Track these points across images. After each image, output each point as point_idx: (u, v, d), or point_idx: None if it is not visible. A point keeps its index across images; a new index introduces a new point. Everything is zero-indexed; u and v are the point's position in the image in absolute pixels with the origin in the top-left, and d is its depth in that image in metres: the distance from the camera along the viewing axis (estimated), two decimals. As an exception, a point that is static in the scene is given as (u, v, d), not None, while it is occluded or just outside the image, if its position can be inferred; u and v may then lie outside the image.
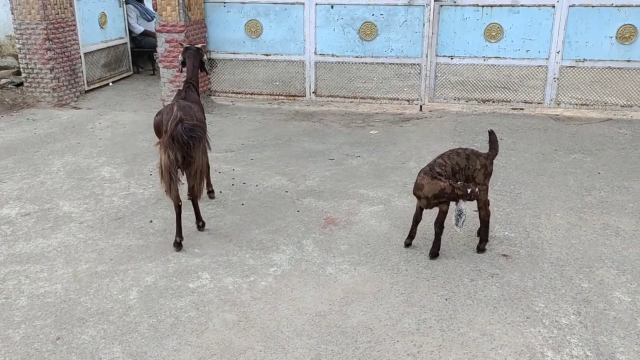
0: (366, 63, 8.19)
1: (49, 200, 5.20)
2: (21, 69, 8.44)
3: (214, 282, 3.84)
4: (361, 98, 8.33)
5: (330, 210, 4.96)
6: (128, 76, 10.40)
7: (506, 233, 4.49)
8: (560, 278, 3.85)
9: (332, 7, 8.00)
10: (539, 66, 7.84)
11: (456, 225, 3.93)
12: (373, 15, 7.95)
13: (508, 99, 8.10)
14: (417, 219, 4.23)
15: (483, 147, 6.55)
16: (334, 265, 4.05)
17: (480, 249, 4.20)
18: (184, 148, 4.08)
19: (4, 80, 8.86)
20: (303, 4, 8.04)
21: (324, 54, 8.20)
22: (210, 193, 5.23)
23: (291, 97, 8.55)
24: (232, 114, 8.22)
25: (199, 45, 5.37)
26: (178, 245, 4.31)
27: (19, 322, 3.45)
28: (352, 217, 4.80)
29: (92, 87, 9.37)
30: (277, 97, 8.60)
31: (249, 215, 4.88)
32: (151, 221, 4.77)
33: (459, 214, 3.88)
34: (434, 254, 4.11)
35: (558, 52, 7.67)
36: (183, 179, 4.32)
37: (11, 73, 8.97)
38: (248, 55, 8.42)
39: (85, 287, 3.80)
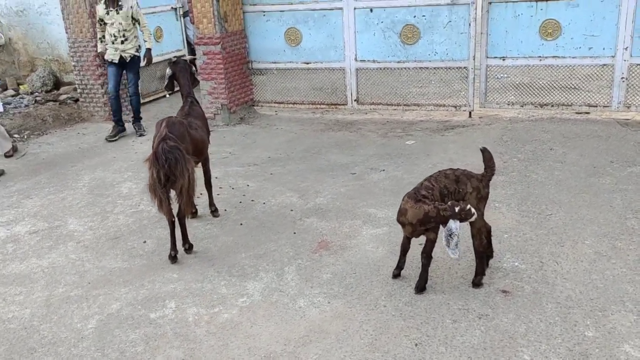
0: (409, 68, 7.70)
1: (60, 218, 5.29)
2: (76, 85, 8.81)
3: (176, 313, 3.65)
4: (405, 105, 7.85)
5: (328, 232, 4.61)
6: (185, 88, 10.55)
7: (516, 264, 3.92)
8: (562, 323, 3.25)
9: (371, 10, 7.60)
10: (604, 65, 6.97)
11: (447, 247, 3.40)
12: (415, 17, 7.45)
13: (569, 103, 7.28)
14: (404, 248, 3.80)
15: (528, 159, 5.91)
16: (307, 297, 3.72)
17: (475, 283, 3.68)
18: (165, 167, 3.95)
19: (64, 96, 9.30)
20: (341, 9, 7.71)
21: (364, 60, 7.82)
22: (214, 212, 5.07)
23: (333, 106, 8.24)
24: (271, 124, 8.06)
25: (187, 58, 5.20)
26: (173, 259, 4.26)
27: (-23, 348, 3.45)
28: (349, 241, 4.43)
29: (147, 99, 9.61)
30: (319, 106, 8.33)
31: (243, 237, 4.65)
32: (145, 242, 4.68)
33: (449, 234, 3.36)
34: (420, 287, 3.65)
35: (626, 49, 6.77)
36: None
37: (72, 89, 9.39)
38: (288, 64, 8.23)
39: (51, 313, 3.75)
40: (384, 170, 5.92)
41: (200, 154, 4.59)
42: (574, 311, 3.35)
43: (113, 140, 7.69)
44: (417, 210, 3.45)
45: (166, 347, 3.30)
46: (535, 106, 7.40)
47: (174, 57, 5.84)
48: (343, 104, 8.15)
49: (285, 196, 5.42)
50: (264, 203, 5.30)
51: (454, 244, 3.36)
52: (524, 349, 3.06)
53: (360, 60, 7.84)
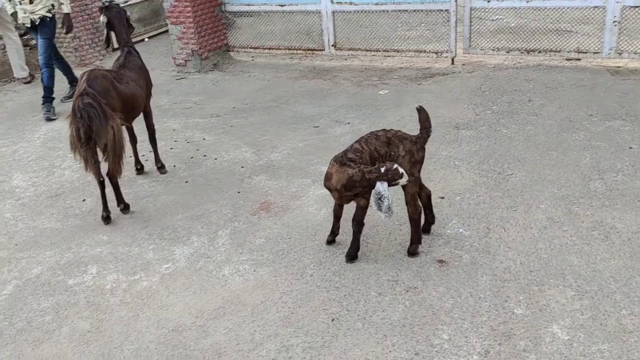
0: (388, 11, 7.22)
1: (6, 172, 5.11)
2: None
3: (95, 280, 3.48)
4: (385, 51, 7.43)
5: (274, 192, 4.37)
6: (166, 31, 10.15)
7: (461, 230, 3.66)
8: (493, 298, 3.02)
9: (347, -53, 7.07)
10: (595, 7, 6.45)
11: (379, 211, 3.13)
12: (394, -46, 6.91)
13: (558, 49, 6.81)
14: (336, 214, 3.55)
15: (502, 111, 5.53)
16: (234, 264, 3.52)
17: (411, 252, 3.44)
18: (85, 124, 3.70)
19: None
20: (316, -55, 7.18)
21: (341, 2, 7.35)
22: (160, 168, 4.84)
23: (310, 52, 7.84)
24: (245, 71, 7.71)
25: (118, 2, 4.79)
26: (105, 219, 4.10)
27: None
28: (293, 202, 4.19)
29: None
30: (296, 51, 7.93)
31: (185, 195, 4.44)
32: (84, 200, 4.50)
33: (379, 198, 3.09)
34: (351, 256, 3.43)
35: (620, -10, 6.22)
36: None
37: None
38: (263, 7, 7.79)
39: (-30, 277, 3.61)
40: (348, 123, 5.61)
41: (133, 110, 4.30)
42: (509, 285, 3.12)
43: (69, 101, 6.40)
44: (342, 174, 3.18)
45: (75, 318, 3.15)
46: (522, 52, 6.94)
47: (105, 1, 5.19)
48: (320, 50, 7.74)
49: (240, 151, 5.16)
50: (216, 159, 5.06)
51: (386, 207, 3.09)
52: (445, 327, 2.85)
53: (337, 3, 7.37)
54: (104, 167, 4.03)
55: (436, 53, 7.16)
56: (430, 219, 3.62)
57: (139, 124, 4.72)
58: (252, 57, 8.25)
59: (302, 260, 3.50)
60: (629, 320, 2.78)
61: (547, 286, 3.08)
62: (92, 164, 3.88)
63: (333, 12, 7.43)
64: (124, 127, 4.13)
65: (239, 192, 4.41)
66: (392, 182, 3.09)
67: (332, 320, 2.97)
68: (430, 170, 4.45)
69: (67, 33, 6.71)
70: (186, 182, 4.67)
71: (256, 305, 3.13)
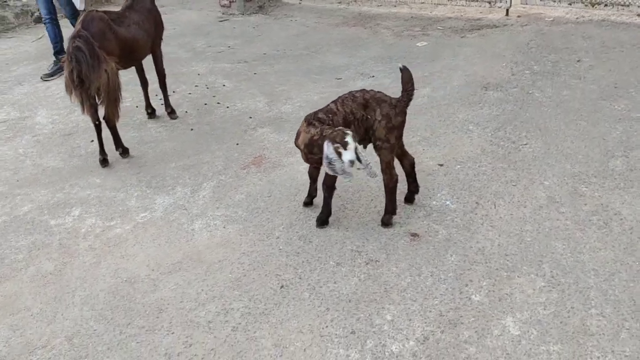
0: (439, -46, 6.67)
1: (34, 108, 5.30)
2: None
3: (74, 222, 3.56)
4: (433, -1, 6.92)
5: (272, 146, 4.26)
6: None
7: (447, 202, 3.41)
8: (453, 281, 2.80)
9: None
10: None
11: (336, 174, 2.91)
12: None
13: (627, 2, 6.05)
14: (311, 175, 3.40)
15: (543, 72, 5.00)
16: (207, 219, 3.48)
17: (384, 222, 3.24)
18: (77, 67, 3.71)
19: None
20: None
21: (391, -56, 6.86)
22: (170, 114, 4.84)
23: (357, -3, 7.45)
24: (288, 15, 7.49)
25: None
26: (102, 162, 4.16)
27: None
28: (286, 159, 4.07)
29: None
30: (342, -4, 7.55)
31: (185, 143, 4.42)
32: (92, 141, 4.57)
33: (329, 161, 2.80)
34: (320, 221, 3.29)
35: None
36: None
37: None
38: (311, -53, 7.42)
39: (-33, 209, 3.81)
40: (373, 76, 5.32)
41: (134, 53, 4.24)
42: (477, 268, 2.87)
43: (51, 80, 5.93)
44: (306, 134, 3.00)
45: (43, 259, 3.24)
46: (587, 4, 6.25)
47: None
48: (368, -5, 7.34)
49: (254, 100, 5.05)
50: (228, 107, 4.98)
51: (339, 169, 2.83)
52: (392, 307, 2.68)
53: (387, -56, 6.89)
54: (102, 111, 4.05)
55: (489, 2, 6.59)
56: (413, 188, 3.39)
57: (150, 70, 4.69)
58: (300, 0, 7.97)
59: (273, 220, 3.40)
60: (594, 321, 2.49)
61: (517, 273, 2.81)
62: (87, 106, 3.91)
63: (382, -46, 6.97)
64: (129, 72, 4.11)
65: (237, 144, 4.33)
66: (339, 146, 2.82)
67: (281, 287, 2.88)
68: (439, 134, 4.15)
69: None
70: (192, 129, 4.64)
71: (213, 264, 3.09)
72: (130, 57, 4.20)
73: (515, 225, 3.15)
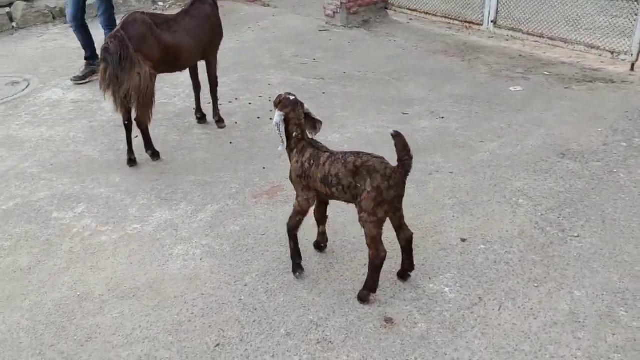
0: (563, -10, 5.90)
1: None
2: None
3: (72, 220, 3.55)
4: (549, 39, 6.15)
5: (297, 177, 3.96)
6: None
7: (446, 290, 2.90)
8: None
9: None
10: None
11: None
12: None
13: None
14: (316, 218, 3.11)
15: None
16: (190, 246, 3.29)
17: (360, 297, 2.82)
18: (105, 66, 3.71)
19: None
20: None
21: (512, -28, 6.20)
22: (218, 122, 4.73)
23: (468, 24, 6.87)
24: (390, 34, 7.10)
25: None
26: (129, 162, 4.16)
27: None
28: (303, 194, 3.75)
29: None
30: (452, 20, 7.00)
31: (216, 157, 4.28)
32: (136, 136, 4.60)
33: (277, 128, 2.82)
34: (293, 269, 2.97)
35: None
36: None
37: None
38: (428, -35, 6.96)
39: (-5, 184, 3.97)
40: (443, 117, 4.81)
41: (178, 60, 4.14)
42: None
43: (82, 83, 5.71)
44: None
45: (24, 252, 3.26)
46: None
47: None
48: (478, 24, 6.72)
49: (306, 122, 4.77)
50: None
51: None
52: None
53: (508, -28, 6.23)
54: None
55: (612, 52, 5.70)
56: (407, 267, 2.93)
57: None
58: (410, 19, 7.54)
59: (251, 264, 3.12)
60: None
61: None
62: (119, 106, 3.90)
63: (501, -19, 6.33)
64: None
65: (264, 168, 4.10)
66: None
67: (217, 345, 2.60)
68: (480, 201, 3.61)
69: None
70: (230, 142, 4.49)
71: (167, 299, 2.89)
72: (174, 63, 4.13)
73: (512, 340, 2.58)
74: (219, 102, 4.77)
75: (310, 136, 2.92)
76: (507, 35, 6.52)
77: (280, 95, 2.90)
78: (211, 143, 4.49)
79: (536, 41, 6.24)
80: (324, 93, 5.37)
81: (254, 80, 5.72)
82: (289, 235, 2.93)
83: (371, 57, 6.28)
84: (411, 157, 2.61)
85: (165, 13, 4.48)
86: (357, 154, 2.70)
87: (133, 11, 4.07)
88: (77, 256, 3.22)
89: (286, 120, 2.82)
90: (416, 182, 3.84)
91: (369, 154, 2.70)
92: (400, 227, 2.83)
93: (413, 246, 2.87)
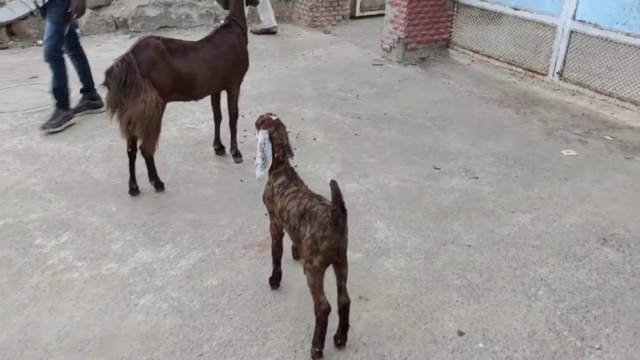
0: (638, 46, 5.28)
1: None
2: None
3: (52, 250, 3.39)
4: (619, 99, 5.53)
5: (297, 230, 3.64)
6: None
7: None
8: None
9: (611, -48, 5.29)
10: None
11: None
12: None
13: None
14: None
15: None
16: (159, 297, 3.04)
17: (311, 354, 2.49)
18: (112, 90, 3.57)
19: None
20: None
21: (584, 22, 5.64)
22: (235, 156, 4.51)
23: (530, 73, 6.34)
24: (445, 75, 6.68)
25: None
26: (131, 191, 3.99)
27: None
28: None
29: (367, 13, 8.95)
30: (515, 67, 6.49)
31: (222, 194, 4.04)
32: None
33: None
34: (271, 282, 2.65)
35: None
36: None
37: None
38: (495, 5, 6.50)
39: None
40: (477, 178, 4.36)
41: (192, 89, 3.92)
42: None
43: (56, 132, 4.81)
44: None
45: (-8, 280, 3.12)
46: None
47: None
48: (542, 74, 6.18)
49: (327, 167, 4.47)
50: (296, 166, 4.44)
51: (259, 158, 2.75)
52: None
53: (579, 21, 5.67)
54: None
55: (689, 122, 5.02)
56: (339, 334, 2.64)
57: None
58: (472, 60, 7.07)
59: (216, 329, 2.83)
60: None
61: None
62: (123, 131, 3.74)
63: (571, 31, 5.77)
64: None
65: (266, 214, 3.79)
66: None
67: None
68: (492, 286, 3.16)
69: (76, 16, 4.67)
70: (241, 180, 4.24)
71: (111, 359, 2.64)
72: (187, 91, 3.93)
73: None
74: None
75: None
76: (573, 90, 5.93)
77: (262, 116, 2.85)
78: (221, 179, 4.26)
79: (604, 100, 5.62)
80: (356, 135, 5.04)
81: (289, 112, 5.47)
82: (273, 255, 2.98)
83: (418, 99, 5.89)
84: (342, 210, 2.30)
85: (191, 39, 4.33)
86: (313, 197, 2.49)
87: (148, 35, 3.89)
88: (42, 293, 3.04)
89: (270, 140, 2.67)
90: (426, 253, 3.43)
91: (323, 200, 2.44)
92: (339, 289, 2.54)
93: (400, 332, 2.49)
